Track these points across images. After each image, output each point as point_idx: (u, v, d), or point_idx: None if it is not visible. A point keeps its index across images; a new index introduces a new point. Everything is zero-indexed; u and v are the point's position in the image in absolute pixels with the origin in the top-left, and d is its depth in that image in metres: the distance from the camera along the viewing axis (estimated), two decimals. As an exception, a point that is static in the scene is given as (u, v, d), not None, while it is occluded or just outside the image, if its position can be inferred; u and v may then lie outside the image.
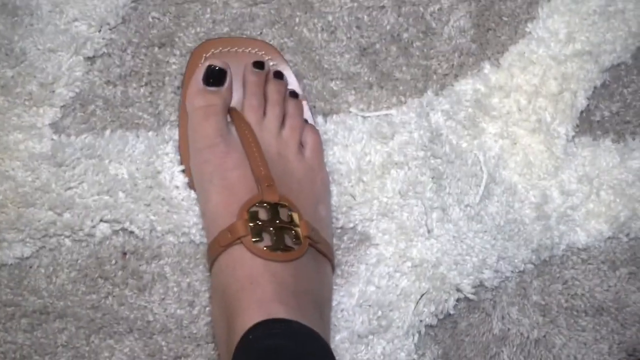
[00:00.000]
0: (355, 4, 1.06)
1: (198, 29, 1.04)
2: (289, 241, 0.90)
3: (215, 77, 0.98)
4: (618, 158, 1.05)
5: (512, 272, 1.01)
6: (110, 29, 1.04)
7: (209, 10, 1.05)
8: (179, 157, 1.01)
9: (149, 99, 1.03)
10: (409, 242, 1.00)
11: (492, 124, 1.05)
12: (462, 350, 1.00)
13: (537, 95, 1.05)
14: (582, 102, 1.05)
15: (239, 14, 1.05)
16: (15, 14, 1.02)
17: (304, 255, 0.90)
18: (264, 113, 0.99)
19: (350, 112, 1.04)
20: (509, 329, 1.01)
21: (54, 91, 1.01)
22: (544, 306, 1.02)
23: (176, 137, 1.01)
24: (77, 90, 1.02)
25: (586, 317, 1.02)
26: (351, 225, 1.01)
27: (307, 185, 0.97)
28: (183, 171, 1.00)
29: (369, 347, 0.97)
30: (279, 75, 1.02)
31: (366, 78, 1.05)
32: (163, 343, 0.97)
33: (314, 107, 1.04)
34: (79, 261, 0.99)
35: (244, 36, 1.05)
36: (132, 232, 0.99)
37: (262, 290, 0.86)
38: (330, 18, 1.05)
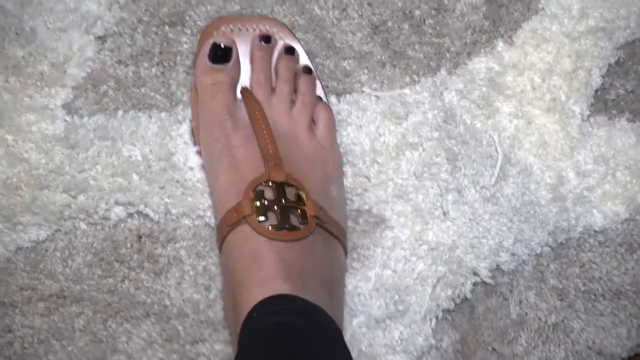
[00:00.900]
0: (367, -20, 1.05)
1: (209, 7, 1.04)
2: (294, 220, 0.90)
3: (221, 55, 0.98)
4: (634, 138, 1.05)
5: (528, 255, 1.01)
6: (120, 7, 1.03)
7: (219, -13, 1.04)
8: (192, 138, 1.00)
9: (160, 79, 1.02)
10: (425, 224, 1.00)
11: (506, 103, 1.04)
12: (479, 335, 1.00)
13: (551, 73, 1.04)
14: (596, 80, 1.05)
15: (249, -9, 1.04)
16: (24, -8, 1.01)
17: (311, 235, 0.90)
18: (274, 89, 0.99)
19: (363, 91, 1.04)
20: (526, 314, 1.01)
21: (65, 71, 1.01)
22: (562, 290, 1.02)
23: (190, 117, 1.01)
24: (88, 70, 1.02)
25: (604, 301, 1.02)
26: (366, 207, 1.01)
27: (317, 164, 0.97)
28: (198, 153, 1.00)
29: (387, 332, 0.97)
30: (290, 50, 1.01)
31: (379, 57, 1.04)
32: (180, 328, 0.97)
33: (327, 86, 1.03)
34: (95, 244, 0.99)
35: (255, 14, 1.04)
36: (147, 215, 0.99)
37: (266, 269, 0.86)
38: (341, -5, 1.05)
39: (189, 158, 1.00)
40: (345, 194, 1.01)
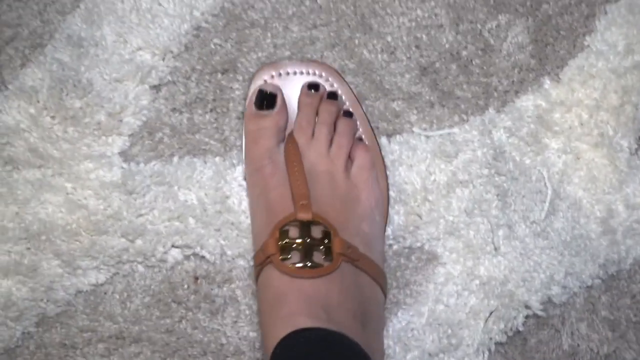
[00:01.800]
0: (414, 24, 1.06)
1: (260, 54, 1.05)
2: (318, 258, 0.91)
3: (266, 101, 1.00)
4: (681, 170, 1.05)
5: (579, 287, 1.02)
6: (173, 57, 1.05)
7: (269, 34, 1.06)
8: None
9: (214, 125, 1.04)
10: (476, 260, 1.01)
11: (554, 140, 1.05)
12: (532, 367, 1.01)
13: (598, 109, 1.05)
14: (643, 114, 1.06)
15: (299, 37, 1.06)
16: (81, 45, 1.04)
17: (338, 270, 0.91)
18: (314, 133, 1.01)
19: (413, 131, 1.05)
20: (578, 345, 1.01)
21: (121, 120, 1.03)
22: (613, 321, 1.02)
23: (243, 161, 1.03)
24: (144, 118, 1.04)
25: (656, 332, 1.02)
26: (418, 244, 1.02)
27: (350, 202, 0.97)
28: (251, 195, 1.01)
29: (441, 366, 0.98)
30: (332, 95, 1.02)
31: (427, 97, 1.06)
32: (237, 365, 0.99)
33: (377, 128, 1.04)
34: (152, 286, 1.01)
35: (305, 59, 1.06)
36: (203, 257, 1.01)
37: (288, 306, 0.87)
38: (389, 39, 1.06)
39: (244, 200, 1.01)
40: (389, 231, 1.02)
